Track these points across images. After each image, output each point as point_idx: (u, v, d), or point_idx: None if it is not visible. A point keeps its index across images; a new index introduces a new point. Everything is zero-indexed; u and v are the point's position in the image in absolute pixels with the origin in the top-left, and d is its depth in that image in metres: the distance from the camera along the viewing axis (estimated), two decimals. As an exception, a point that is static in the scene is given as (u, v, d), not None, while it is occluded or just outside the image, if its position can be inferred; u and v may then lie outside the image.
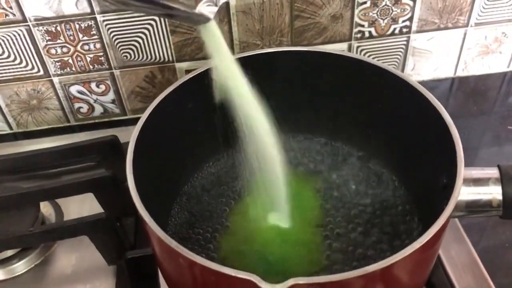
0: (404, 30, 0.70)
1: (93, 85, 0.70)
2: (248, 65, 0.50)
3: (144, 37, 0.66)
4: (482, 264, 0.54)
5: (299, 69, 0.51)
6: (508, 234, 0.59)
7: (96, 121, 0.74)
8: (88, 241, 0.53)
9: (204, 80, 0.48)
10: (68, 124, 0.74)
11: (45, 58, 0.66)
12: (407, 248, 0.33)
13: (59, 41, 0.65)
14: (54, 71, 0.68)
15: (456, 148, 0.39)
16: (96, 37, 0.65)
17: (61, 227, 0.52)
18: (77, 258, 0.57)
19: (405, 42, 0.72)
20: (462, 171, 0.37)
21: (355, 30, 0.69)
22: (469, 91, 0.77)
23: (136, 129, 0.43)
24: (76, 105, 0.72)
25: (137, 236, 0.58)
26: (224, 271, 0.32)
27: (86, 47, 0.66)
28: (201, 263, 0.33)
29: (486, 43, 0.74)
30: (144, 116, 0.44)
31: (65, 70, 0.68)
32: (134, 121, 0.45)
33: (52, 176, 0.63)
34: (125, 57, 0.68)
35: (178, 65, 0.69)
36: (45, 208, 0.61)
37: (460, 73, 0.77)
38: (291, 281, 0.31)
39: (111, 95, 0.72)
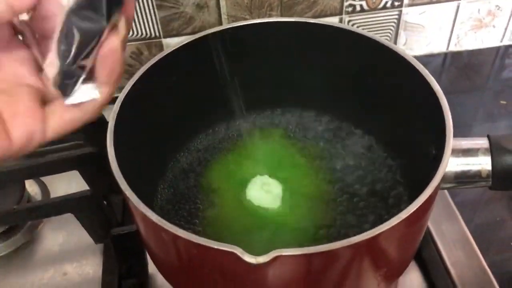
0: (396, 3, 0.69)
1: (78, 63, 0.69)
2: (238, 36, 0.49)
3: (129, 12, 0.64)
4: (473, 240, 0.53)
5: (289, 40, 0.50)
6: (499, 209, 0.59)
7: (83, 99, 0.73)
8: (75, 219, 0.52)
9: (189, 52, 0.47)
10: (54, 103, 0.73)
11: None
12: (393, 218, 0.32)
13: (42, 16, 0.63)
14: (38, 48, 0.66)
15: (445, 118, 0.38)
16: (80, 12, 0.64)
17: (46, 204, 0.51)
18: (64, 237, 0.57)
19: (397, 16, 0.70)
20: (451, 141, 0.36)
21: (346, 3, 0.68)
22: (462, 66, 0.76)
23: (117, 103, 0.41)
24: (62, 83, 0.71)
25: (125, 214, 0.57)
26: (206, 243, 0.31)
27: (70, 23, 0.65)
28: (183, 236, 0.32)
29: (479, 16, 0.73)
30: (125, 90, 0.43)
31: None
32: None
33: (37, 156, 0.62)
34: (110, 33, 0.66)
35: (165, 40, 0.68)
36: (31, 187, 0.60)
37: (453, 48, 0.76)
38: (275, 253, 0.30)
39: (97, 73, 0.70)
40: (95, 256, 0.55)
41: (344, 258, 0.32)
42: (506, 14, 0.73)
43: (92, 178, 0.54)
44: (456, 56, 0.77)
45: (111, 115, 0.41)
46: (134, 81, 0.43)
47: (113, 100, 0.43)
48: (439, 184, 0.34)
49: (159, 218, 0.33)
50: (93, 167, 0.53)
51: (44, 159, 0.54)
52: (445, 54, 0.77)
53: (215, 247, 0.31)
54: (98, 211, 0.51)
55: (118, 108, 0.41)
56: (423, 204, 0.33)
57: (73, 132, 0.58)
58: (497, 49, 0.77)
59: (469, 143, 0.39)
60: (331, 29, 0.49)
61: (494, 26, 0.74)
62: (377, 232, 0.31)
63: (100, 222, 0.52)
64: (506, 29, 0.75)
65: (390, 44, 0.44)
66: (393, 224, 0.32)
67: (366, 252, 0.33)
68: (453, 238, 0.54)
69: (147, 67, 0.44)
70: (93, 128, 0.58)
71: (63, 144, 0.61)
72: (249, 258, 0.31)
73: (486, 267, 0.51)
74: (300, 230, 0.45)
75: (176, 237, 0.32)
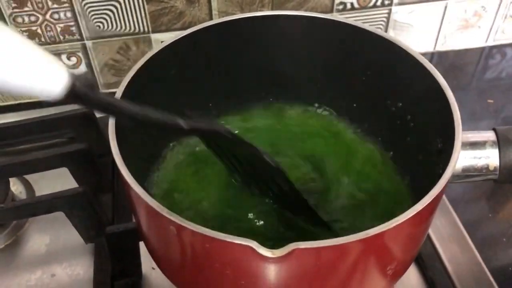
0: (386, 2, 0.69)
1: (63, 57, 0.67)
2: (231, 30, 0.48)
3: (118, 5, 0.63)
4: (467, 235, 0.54)
5: (285, 34, 0.49)
6: (491, 204, 0.59)
7: (67, 96, 0.70)
8: (62, 218, 0.50)
9: (189, 44, 0.46)
10: (36, 100, 0.70)
11: (11, 27, 0.62)
12: (409, 210, 0.32)
13: (26, 8, 0.61)
14: (22, 42, 0.64)
15: (452, 110, 0.38)
16: (66, 5, 0.62)
17: (35, 202, 0.49)
18: (51, 236, 0.54)
19: (386, 15, 0.71)
20: (460, 133, 0.36)
21: (337, 1, 0.68)
22: (448, 66, 0.77)
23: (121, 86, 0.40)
24: (46, 79, 0.68)
25: (115, 213, 0.55)
26: (221, 237, 0.30)
27: (56, 16, 0.62)
28: (196, 230, 0.31)
29: (466, 17, 0.74)
30: (124, 83, 0.41)
31: (34, 40, 0.64)
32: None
33: (22, 153, 0.59)
34: (98, 27, 0.64)
35: (154, 36, 0.66)
36: (15, 186, 0.58)
37: (440, 47, 0.77)
38: (292, 246, 0.30)
39: (82, 68, 0.68)
40: (85, 256, 0.53)
41: (362, 250, 0.32)
42: (491, 15, 0.74)
43: (83, 175, 0.52)
44: (443, 55, 0.77)
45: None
46: (133, 74, 0.42)
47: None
48: (451, 176, 0.34)
49: (169, 211, 0.32)
50: (84, 164, 0.52)
51: (32, 156, 0.52)
52: (432, 54, 0.77)
53: (230, 240, 0.30)
54: (89, 209, 0.49)
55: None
56: (436, 196, 0.33)
57: (61, 128, 0.57)
58: (482, 49, 0.79)
59: (475, 135, 0.39)
60: (332, 23, 0.48)
61: (479, 27, 0.76)
62: (394, 224, 0.31)
63: (92, 221, 0.50)
64: (490, 30, 0.77)
65: (391, 37, 0.44)
66: (409, 216, 0.31)
67: (382, 245, 0.32)
68: (448, 233, 0.54)
69: (146, 59, 0.43)
70: (82, 124, 0.57)
71: (50, 140, 0.58)
72: (265, 252, 0.30)
73: (482, 262, 0.52)
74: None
75: (188, 231, 0.31)
